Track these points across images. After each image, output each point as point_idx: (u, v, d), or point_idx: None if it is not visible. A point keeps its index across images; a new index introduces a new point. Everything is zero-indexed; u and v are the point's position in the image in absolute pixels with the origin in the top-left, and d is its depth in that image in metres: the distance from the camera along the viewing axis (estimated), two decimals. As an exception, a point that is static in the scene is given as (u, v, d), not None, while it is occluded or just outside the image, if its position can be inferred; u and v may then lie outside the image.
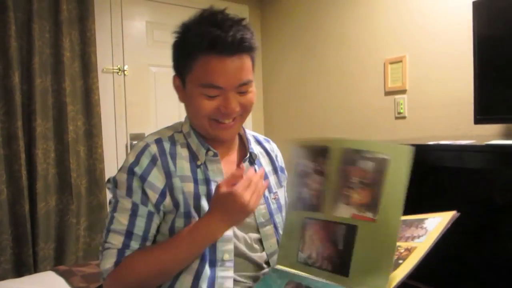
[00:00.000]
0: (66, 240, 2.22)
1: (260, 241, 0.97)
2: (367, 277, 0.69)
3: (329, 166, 0.79)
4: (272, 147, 1.13)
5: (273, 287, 0.79)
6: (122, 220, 0.87)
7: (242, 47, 0.85)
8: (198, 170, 0.92)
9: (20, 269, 2.07)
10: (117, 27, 2.52)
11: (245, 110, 0.91)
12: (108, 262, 0.85)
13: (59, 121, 2.21)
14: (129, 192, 0.87)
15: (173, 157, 0.91)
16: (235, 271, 0.91)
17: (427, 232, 0.78)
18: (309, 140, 0.87)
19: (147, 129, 2.67)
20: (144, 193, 0.87)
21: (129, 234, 0.86)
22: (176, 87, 0.95)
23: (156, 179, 0.87)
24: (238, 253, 0.92)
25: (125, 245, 0.86)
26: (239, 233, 0.94)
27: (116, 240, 0.86)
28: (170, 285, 0.88)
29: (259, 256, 0.96)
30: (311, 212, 0.81)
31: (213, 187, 0.91)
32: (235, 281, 0.91)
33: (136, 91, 2.62)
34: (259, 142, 1.10)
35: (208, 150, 0.93)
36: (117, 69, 2.53)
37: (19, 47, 2.06)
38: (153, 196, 0.87)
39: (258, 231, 0.97)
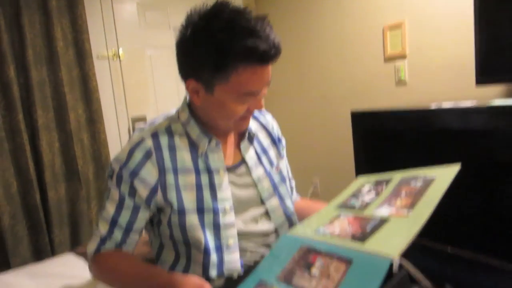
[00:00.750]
0: (79, 225, 2.28)
1: (266, 214, 1.00)
2: (382, 243, 0.70)
3: (386, 189, 0.88)
4: (267, 119, 1.13)
5: (284, 253, 0.80)
6: (109, 209, 0.91)
7: (279, 54, 0.83)
8: (199, 159, 0.93)
9: (39, 256, 2.15)
10: (108, 11, 2.46)
11: None
12: (91, 246, 0.93)
13: (60, 111, 2.21)
14: (119, 183, 0.90)
15: (172, 149, 0.91)
16: (244, 244, 0.94)
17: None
18: (376, 174, 0.98)
19: (147, 111, 2.67)
20: (132, 187, 0.89)
21: (113, 223, 0.91)
22: (193, 91, 0.88)
23: (149, 174, 0.88)
24: (243, 233, 0.94)
25: (108, 234, 0.92)
26: (243, 212, 0.96)
27: (102, 227, 0.92)
28: None
29: (267, 226, 0.99)
30: (352, 209, 0.86)
31: (214, 175, 0.92)
32: (246, 251, 0.95)
33: (133, 75, 2.60)
34: (255, 117, 1.10)
35: (210, 139, 0.93)
36: (112, 54, 2.50)
37: (10, 41, 2.03)
38: (144, 191, 0.89)
39: (263, 205, 0.99)
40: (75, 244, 2.29)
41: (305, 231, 0.85)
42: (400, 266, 0.65)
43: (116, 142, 2.56)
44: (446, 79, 1.98)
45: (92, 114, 2.32)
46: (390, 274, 0.63)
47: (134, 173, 0.88)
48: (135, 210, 0.90)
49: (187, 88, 0.89)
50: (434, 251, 1.31)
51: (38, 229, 2.14)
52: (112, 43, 2.50)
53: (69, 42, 2.22)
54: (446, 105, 1.56)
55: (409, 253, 0.66)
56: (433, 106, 1.59)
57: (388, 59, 2.24)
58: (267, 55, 0.80)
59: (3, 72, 2.00)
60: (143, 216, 0.92)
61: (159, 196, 0.89)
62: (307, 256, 0.75)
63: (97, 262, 0.93)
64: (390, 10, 2.18)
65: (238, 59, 0.79)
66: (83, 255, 1.43)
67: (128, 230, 0.92)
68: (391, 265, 0.63)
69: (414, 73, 2.14)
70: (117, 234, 0.91)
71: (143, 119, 2.64)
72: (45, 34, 2.15)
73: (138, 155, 0.88)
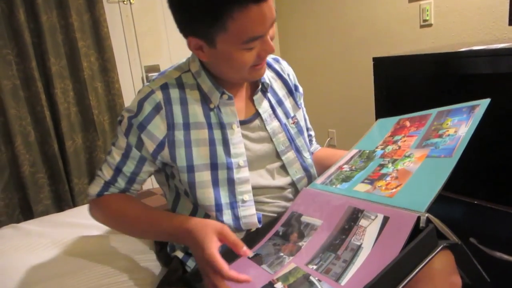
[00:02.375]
0: (97, 174, 2.30)
1: (283, 168, 0.97)
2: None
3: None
4: (283, 66, 1.07)
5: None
6: (115, 155, 0.90)
7: None
8: (211, 113, 0.89)
9: (60, 204, 2.20)
10: (116, -50, 2.34)
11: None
12: (93, 189, 0.93)
13: (72, 59, 2.17)
14: (127, 133, 0.88)
15: (184, 102, 0.87)
16: (260, 198, 0.93)
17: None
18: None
19: (160, 61, 2.61)
20: (140, 139, 0.87)
21: (117, 171, 0.91)
22: (197, 48, 0.83)
23: (157, 128, 0.85)
24: (259, 187, 0.93)
25: (112, 180, 0.91)
26: (259, 167, 0.94)
27: (106, 172, 0.91)
28: None
29: (284, 180, 0.97)
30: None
31: (228, 130, 0.89)
32: (263, 204, 0.93)
33: (145, 20, 2.51)
34: (269, 65, 1.04)
35: (222, 93, 0.89)
36: (122, -2, 2.40)
37: (18, -17, 1.95)
38: (151, 146, 0.86)
39: (280, 159, 0.97)
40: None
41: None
42: (428, 221, 0.64)
43: (131, 91, 2.52)
44: (476, 20, 1.86)
45: (105, 62, 2.27)
46: (417, 228, 0.63)
47: (143, 126, 0.85)
48: (141, 161, 0.90)
49: (189, 46, 0.84)
50: (459, 203, 1.28)
51: (58, 178, 2.17)
52: (122, -14, 2.40)
53: (78, -16, 2.13)
54: (476, 47, 1.47)
55: (434, 206, 0.65)
56: (462, 48, 1.50)
57: (413, -1, 2.10)
58: None
59: (13, 16, 1.94)
60: (147, 169, 0.92)
61: (165, 152, 0.87)
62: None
63: (99, 204, 0.93)
64: None
65: (230, 3, 0.72)
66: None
67: (131, 180, 0.92)
68: (418, 220, 0.63)
69: (440, 13, 2.01)
70: (121, 182, 0.92)
71: (156, 68, 2.59)
72: (53, -25, 2.06)
73: (147, 108, 0.85)
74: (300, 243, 0.76)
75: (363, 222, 0.71)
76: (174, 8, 0.80)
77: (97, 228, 1.28)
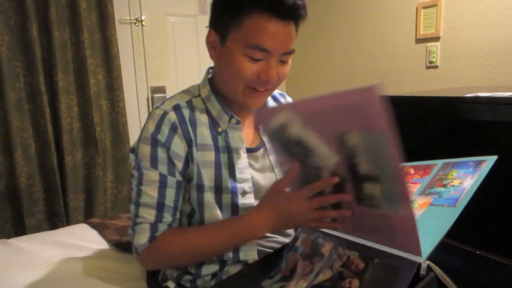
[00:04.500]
0: (94, 191, 2.29)
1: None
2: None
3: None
4: (287, 101, 1.09)
5: None
6: (151, 193, 0.84)
7: (298, 14, 0.79)
8: (219, 137, 0.89)
9: (53, 219, 2.17)
10: (132, -26, 2.40)
11: (280, 80, 0.86)
12: (142, 237, 0.83)
13: (80, 75, 2.19)
14: (154, 163, 0.84)
15: (193, 124, 0.87)
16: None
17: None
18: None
19: (167, 82, 2.64)
20: (170, 163, 0.84)
21: (160, 207, 0.84)
22: (211, 43, 0.87)
23: (178, 147, 0.84)
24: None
25: (158, 218, 0.84)
26: (260, 196, 0.91)
27: (148, 214, 0.84)
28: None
29: None
30: None
31: (234, 155, 0.88)
32: (263, 236, 0.91)
33: (155, 42, 2.56)
34: (275, 99, 1.06)
35: (231, 117, 0.90)
36: (134, 20, 2.45)
37: (34, -1, 2.00)
38: (179, 165, 0.85)
39: (273, 172, 0.96)
40: (89, 210, 2.30)
41: None
42: (428, 268, 0.62)
43: (135, 111, 2.53)
44: (482, 64, 1.89)
45: (112, 80, 2.29)
46: (417, 276, 0.62)
47: (167, 148, 0.84)
48: (178, 187, 0.86)
49: (206, 41, 0.88)
50: (461, 252, 1.26)
51: (54, 193, 2.15)
52: (135, 8, 2.45)
53: (92, 4, 2.18)
54: (481, 94, 1.48)
55: (436, 254, 0.64)
56: (467, 94, 1.51)
57: (420, 40, 2.14)
58: (283, 4, 0.76)
59: (26, 31, 1.97)
60: (183, 192, 0.88)
61: (190, 168, 0.86)
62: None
63: (156, 248, 0.84)
64: (427, -12, 2.07)
65: (254, 5, 0.76)
66: (97, 227, 1.42)
67: (175, 208, 0.86)
68: (419, 267, 0.62)
69: (446, 56, 2.04)
70: (167, 216, 0.85)
71: (162, 89, 2.61)
72: (69, -6, 2.10)
73: (165, 129, 0.84)
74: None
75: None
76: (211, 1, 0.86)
77: (89, 250, 1.25)
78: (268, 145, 0.96)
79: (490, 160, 0.78)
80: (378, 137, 0.60)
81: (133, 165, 0.89)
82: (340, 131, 0.65)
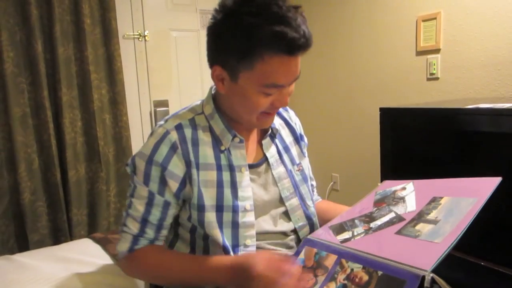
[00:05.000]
0: (97, 206, 2.29)
1: (285, 214, 0.97)
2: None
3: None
4: (290, 115, 1.09)
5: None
6: (138, 207, 0.87)
7: (309, 46, 0.80)
8: (222, 155, 0.90)
9: (56, 234, 2.16)
10: (135, -10, 2.44)
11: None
12: (123, 245, 0.89)
13: (84, 90, 2.21)
14: (147, 180, 0.86)
15: (195, 143, 0.88)
16: (262, 244, 0.91)
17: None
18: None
19: (170, 96, 2.66)
20: (162, 182, 0.86)
21: (144, 222, 0.88)
22: (219, 79, 0.85)
23: (176, 167, 0.85)
24: (261, 233, 0.91)
25: (141, 232, 0.88)
26: (262, 212, 0.93)
27: (133, 226, 0.88)
28: None
29: (286, 226, 0.96)
30: None
31: (236, 173, 0.89)
32: (265, 250, 0.92)
33: (158, 57, 2.58)
34: (277, 113, 1.06)
35: (234, 136, 0.91)
36: (137, 35, 2.48)
37: (39, 16, 2.03)
38: (174, 185, 0.86)
39: (283, 205, 0.96)
40: (92, 225, 2.30)
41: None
42: (432, 281, 0.62)
43: (138, 125, 2.55)
44: (482, 76, 1.90)
45: (115, 95, 2.32)
46: None
47: (163, 168, 0.85)
48: (165, 207, 0.88)
49: (212, 75, 0.86)
50: (467, 264, 1.25)
51: (57, 207, 2.15)
52: (139, 24, 2.48)
53: (96, 20, 2.21)
54: (482, 105, 1.48)
55: (440, 266, 0.64)
56: (468, 105, 1.52)
57: (420, 52, 2.16)
58: (295, 44, 0.76)
59: (31, 47, 2.00)
60: (172, 212, 0.90)
61: (187, 189, 0.87)
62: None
63: (134, 261, 0.89)
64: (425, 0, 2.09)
65: (264, 45, 0.75)
66: (100, 241, 1.42)
67: (159, 227, 0.89)
68: (423, 280, 0.62)
69: (447, 68, 2.05)
70: (149, 232, 0.88)
71: (165, 103, 2.63)
72: (73, 10, 2.14)
73: (164, 149, 0.85)
74: None
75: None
76: (212, 35, 0.83)
77: (91, 265, 1.25)
78: (271, 160, 0.96)
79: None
80: (467, 199, 0.71)
81: (130, 177, 0.92)
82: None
